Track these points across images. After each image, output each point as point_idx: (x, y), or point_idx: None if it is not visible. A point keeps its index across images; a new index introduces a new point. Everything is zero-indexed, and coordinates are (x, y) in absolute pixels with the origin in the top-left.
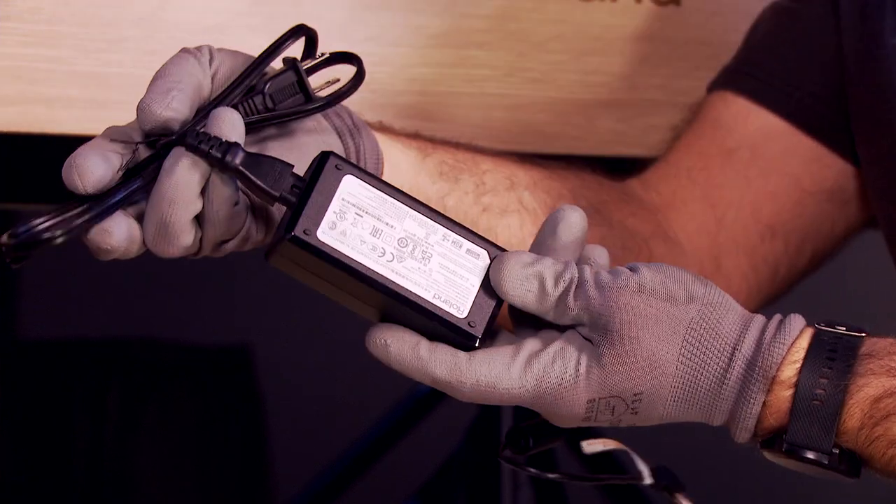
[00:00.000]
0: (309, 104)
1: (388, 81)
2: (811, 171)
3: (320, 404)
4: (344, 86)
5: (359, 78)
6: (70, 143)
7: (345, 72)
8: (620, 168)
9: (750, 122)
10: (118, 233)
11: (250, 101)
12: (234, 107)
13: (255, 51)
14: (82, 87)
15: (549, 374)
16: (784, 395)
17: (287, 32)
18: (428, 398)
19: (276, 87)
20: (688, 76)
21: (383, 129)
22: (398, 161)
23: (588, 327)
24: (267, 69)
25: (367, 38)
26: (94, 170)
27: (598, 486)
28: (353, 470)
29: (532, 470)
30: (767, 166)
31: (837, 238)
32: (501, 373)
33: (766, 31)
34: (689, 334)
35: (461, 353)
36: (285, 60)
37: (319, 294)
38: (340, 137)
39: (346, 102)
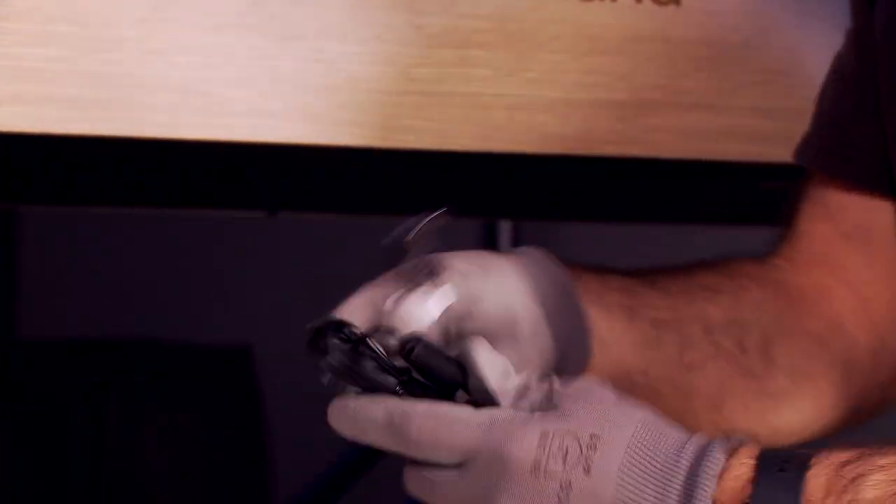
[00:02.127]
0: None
1: (388, 81)
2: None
3: (320, 404)
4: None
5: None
6: (70, 143)
7: None
8: (621, 168)
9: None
10: None
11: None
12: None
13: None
14: (82, 87)
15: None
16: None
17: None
18: None
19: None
20: (688, 76)
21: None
22: (605, 337)
23: None
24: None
25: (367, 38)
26: None
27: None
28: (353, 470)
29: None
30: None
31: None
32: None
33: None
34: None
35: None
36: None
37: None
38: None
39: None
